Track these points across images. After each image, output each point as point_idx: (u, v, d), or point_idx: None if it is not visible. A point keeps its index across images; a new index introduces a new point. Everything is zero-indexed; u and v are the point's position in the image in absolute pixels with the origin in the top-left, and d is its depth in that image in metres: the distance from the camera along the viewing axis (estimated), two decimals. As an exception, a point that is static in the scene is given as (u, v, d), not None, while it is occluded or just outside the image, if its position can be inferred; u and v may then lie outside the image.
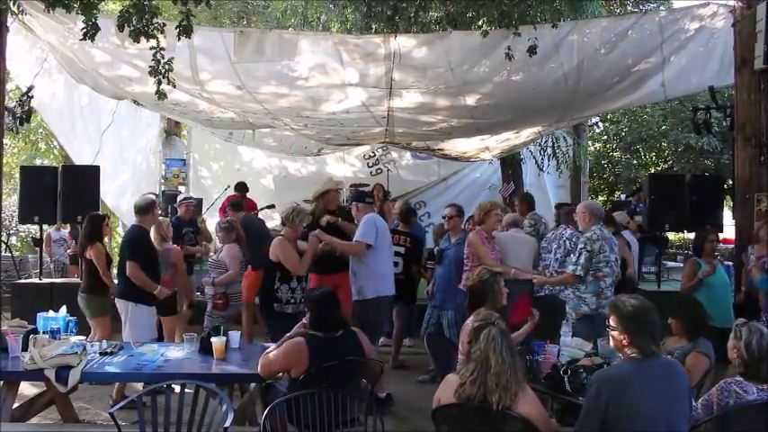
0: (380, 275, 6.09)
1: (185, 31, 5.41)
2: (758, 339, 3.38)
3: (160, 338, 6.10)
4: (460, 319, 5.46)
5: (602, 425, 2.98)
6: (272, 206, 11.00)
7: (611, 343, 3.29)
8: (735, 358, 3.44)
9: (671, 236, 16.48)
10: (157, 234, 6.39)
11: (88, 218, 6.46)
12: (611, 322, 3.19)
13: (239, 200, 8.57)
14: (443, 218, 7.14)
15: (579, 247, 5.48)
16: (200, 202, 10.96)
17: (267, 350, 4.20)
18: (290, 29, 11.12)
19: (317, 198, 6.81)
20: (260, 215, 10.82)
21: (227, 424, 3.20)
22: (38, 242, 9.63)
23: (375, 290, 6.03)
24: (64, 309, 5.02)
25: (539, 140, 11.73)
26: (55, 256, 11.32)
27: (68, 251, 11.30)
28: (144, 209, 5.89)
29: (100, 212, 7.19)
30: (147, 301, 5.68)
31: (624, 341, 3.11)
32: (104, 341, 4.95)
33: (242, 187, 10.70)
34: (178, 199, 8.30)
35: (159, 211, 6.96)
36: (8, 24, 6.52)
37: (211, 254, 6.53)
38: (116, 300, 5.79)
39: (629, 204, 11.22)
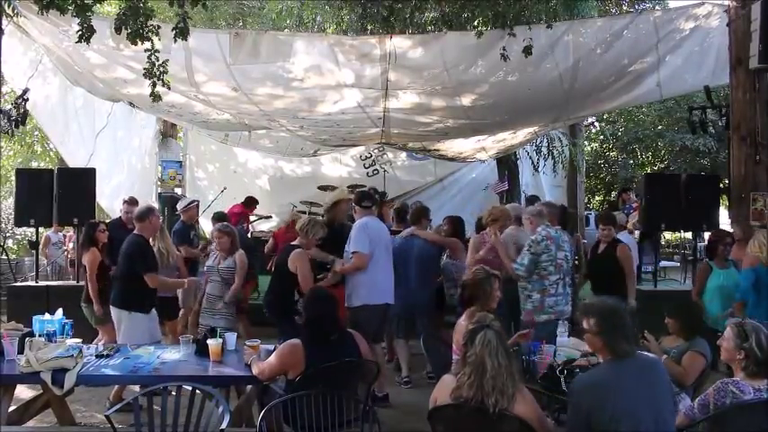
0: (371, 284, 5.75)
1: (182, 33, 5.41)
2: (766, 336, 3.37)
3: None
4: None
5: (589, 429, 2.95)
6: (268, 217, 11.04)
7: (587, 346, 3.25)
8: (741, 359, 3.39)
9: (668, 235, 16.61)
10: (164, 243, 6.44)
11: (88, 225, 6.49)
12: (585, 326, 3.15)
13: (223, 214, 8.46)
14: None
15: (525, 248, 5.52)
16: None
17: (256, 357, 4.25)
18: (286, 30, 11.12)
19: (329, 209, 6.73)
20: (255, 217, 10.88)
21: (224, 426, 3.19)
22: (34, 245, 9.60)
23: (361, 298, 5.74)
24: (60, 311, 5.00)
25: (535, 141, 11.75)
26: (52, 259, 11.30)
27: (64, 254, 11.28)
28: (140, 217, 5.79)
29: (95, 219, 7.18)
30: (142, 308, 5.55)
31: (598, 344, 3.08)
32: (100, 343, 4.94)
33: (251, 201, 10.72)
34: (180, 206, 8.16)
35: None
36: (3, 27, 6.51)
37: (210, 261, 6.39)
38: (111, 307, 5.73)
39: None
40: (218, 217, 7.91)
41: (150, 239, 6.00)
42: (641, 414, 2.91)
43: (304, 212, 10.45)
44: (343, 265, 5.88)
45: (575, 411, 3.00)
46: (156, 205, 9.52)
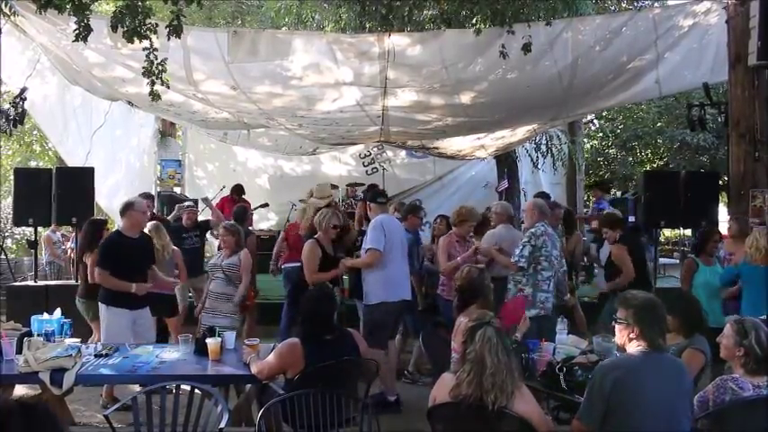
0: (387, 281, 5.82)
1: (175, 30, 5.40)
2: (765, 333, 3.37)
3: (164, 340, 6.16)
4: None
5: (604, 416, 2.98)
6: (265, 205, 10.99)
7: (617, 337, 3.26)
8: (741, 356, 3.39)
9: (667, 232, 16.59)
10: (160, 239, 6.45)
11: (89, 222, 6.41)
12: (620, 315, 3.17)
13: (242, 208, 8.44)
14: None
15: (524, 240, 5.60)
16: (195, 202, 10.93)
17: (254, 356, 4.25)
18: (284, 28, 11.12)
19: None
20: (254, 214, 10.84)
21: (223, 425, 3.19)
22: (33, 244, 9.57)
23: (378, 295, 5.81)
24: (58, 311, 5.00)
25: (534, 138, 11.73)
26: (60, 258, 11.26)
27: (65, 255, 11.26)
28: (120, 212, 5.73)
29: (99, 217, 7.16)
30: (122, 304, 5.46)
31: (633, 334, 3.10)
32: (99, 343, 4.93)
33: (238, 190, 10.62)
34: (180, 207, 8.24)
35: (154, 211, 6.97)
36: (0, 26, 6.50)
37: (214, 258, 6.46)
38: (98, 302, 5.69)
39: (626, 202, 11.14)
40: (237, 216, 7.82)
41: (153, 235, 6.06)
42: (657, 408, 2.95)
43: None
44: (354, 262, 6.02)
45: (597, 389, 3.02)
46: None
